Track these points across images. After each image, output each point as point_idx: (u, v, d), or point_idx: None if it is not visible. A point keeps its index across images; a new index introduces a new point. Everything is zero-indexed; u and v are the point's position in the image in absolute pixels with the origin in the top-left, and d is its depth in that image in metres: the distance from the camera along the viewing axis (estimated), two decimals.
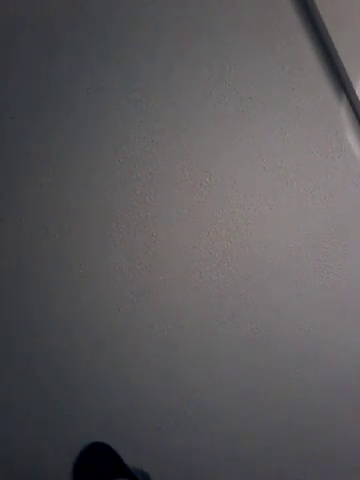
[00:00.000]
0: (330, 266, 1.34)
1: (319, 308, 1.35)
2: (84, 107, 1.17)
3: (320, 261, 1.33)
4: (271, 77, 1.25)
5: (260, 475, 1.32)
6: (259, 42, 1.23)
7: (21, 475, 1.18)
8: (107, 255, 1.21)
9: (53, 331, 1.19)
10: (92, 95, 1.17)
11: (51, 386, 1.20)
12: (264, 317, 1.32)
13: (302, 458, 1.37)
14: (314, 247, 1.33)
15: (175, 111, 1.21)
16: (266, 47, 1.23)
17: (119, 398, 1.15)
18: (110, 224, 1.21)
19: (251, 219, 1.28)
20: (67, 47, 1.14)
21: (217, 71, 1.22)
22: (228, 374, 1.31)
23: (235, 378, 1.31)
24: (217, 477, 1.28)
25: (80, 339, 1.21)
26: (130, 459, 1.16)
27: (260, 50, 1.23)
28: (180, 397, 1.27)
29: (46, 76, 1.14)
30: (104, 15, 1.15)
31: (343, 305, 1.36)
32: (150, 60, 1.18)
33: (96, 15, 1.14)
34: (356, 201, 1.33)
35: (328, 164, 1.30)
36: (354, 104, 1.29)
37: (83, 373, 1.21)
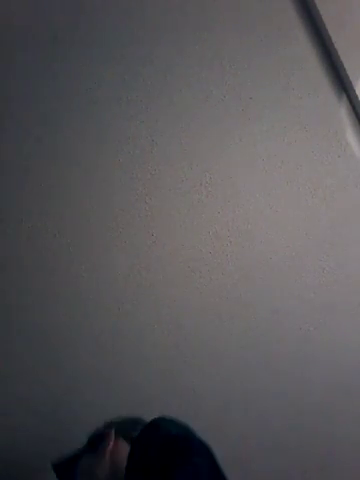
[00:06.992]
0: (330, 266, 1.34)
1: (319, 308, 1.34)
2: (84, 107, 1.17)
3: (320, 261, 1.33)
4: (271, 77, 1.24)
5: (260, 475, 1.33)
6: (259, 42, 1.23)
7: (21, 474, 1.18)
8: (107, 255, 1.21)
9: (53, 331, 1.19)
10: (92, 95, 1.17)
11: (51, 386, 1.20)
12: (264, 317, 1.32)
13: (302, 458, 1.37)
14: (314, 247, 1.33)
15: (175, 111, 1.21)
16: (266, 47, 1.23)
17: (119, 398, 1.15)
18: (110, 224, 1.21)
19: (251, 219, 1.28)
20: (67, 47, 1.14)
21: (217, 71, 1.22)
22: (228, 374, 1.31)
23: (235, 378, 1.31)
24: None
25: (80, 339, 1.21)
26: None
27: (260, 50, 1.23)
28: (180, 397, 1.27)
29: (46, 76, 1.14)
30: (104, 15, 1.15)
31: (343, 305, 1.36)
32: (150, 60, 1.18)
33: (96, 15, 1.14)
34: (356, 201, 1.33)
35: (328, 164, 1.30)
36: (354, 104, 1.29)
37: (83, 373, 1.21)
